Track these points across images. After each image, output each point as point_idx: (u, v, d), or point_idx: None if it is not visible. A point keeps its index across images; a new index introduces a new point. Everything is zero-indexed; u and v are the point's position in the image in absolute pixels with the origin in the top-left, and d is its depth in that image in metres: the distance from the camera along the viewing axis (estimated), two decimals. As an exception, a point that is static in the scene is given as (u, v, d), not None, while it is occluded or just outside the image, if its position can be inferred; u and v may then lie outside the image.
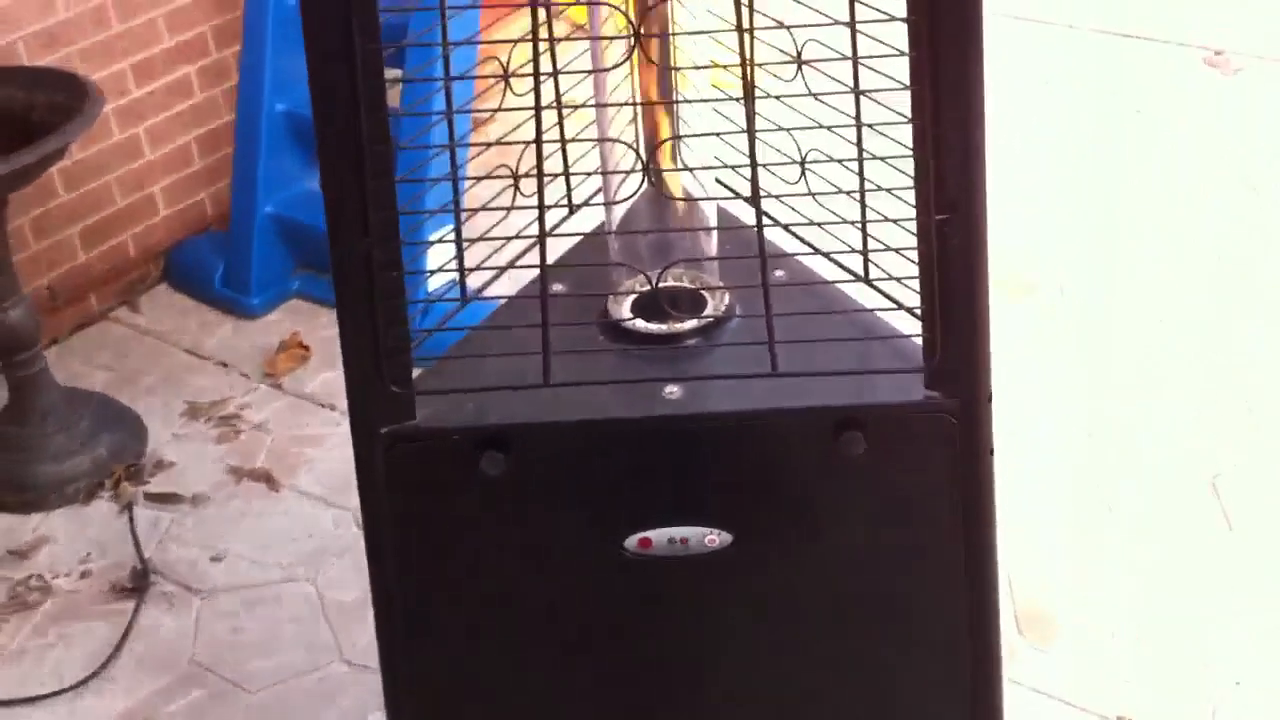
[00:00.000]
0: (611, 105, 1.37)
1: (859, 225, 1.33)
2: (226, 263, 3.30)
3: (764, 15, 1.28)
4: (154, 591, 2.54)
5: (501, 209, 1.30)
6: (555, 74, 1.25)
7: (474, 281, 1.41)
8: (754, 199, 1.25)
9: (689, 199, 1.44)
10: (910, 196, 1.26)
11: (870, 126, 1.27)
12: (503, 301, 1.49)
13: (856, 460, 1.31)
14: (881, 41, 1.25)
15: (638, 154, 1.25)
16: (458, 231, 1.33)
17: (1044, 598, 2.41)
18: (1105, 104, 3.91)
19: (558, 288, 1.47)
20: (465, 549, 1.37)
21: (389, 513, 1.33)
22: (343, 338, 1.25)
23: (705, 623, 1.40)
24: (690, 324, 1.39)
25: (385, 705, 1.46)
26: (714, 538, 1.34)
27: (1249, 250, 3.28)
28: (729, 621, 1.40)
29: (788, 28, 1.25)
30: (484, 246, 1.35)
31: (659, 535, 1.34)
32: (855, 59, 1.26)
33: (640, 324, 1.39)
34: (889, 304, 1.34)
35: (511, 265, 1.32)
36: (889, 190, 1.29)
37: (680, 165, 1.42)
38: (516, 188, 1.26)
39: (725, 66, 1.27)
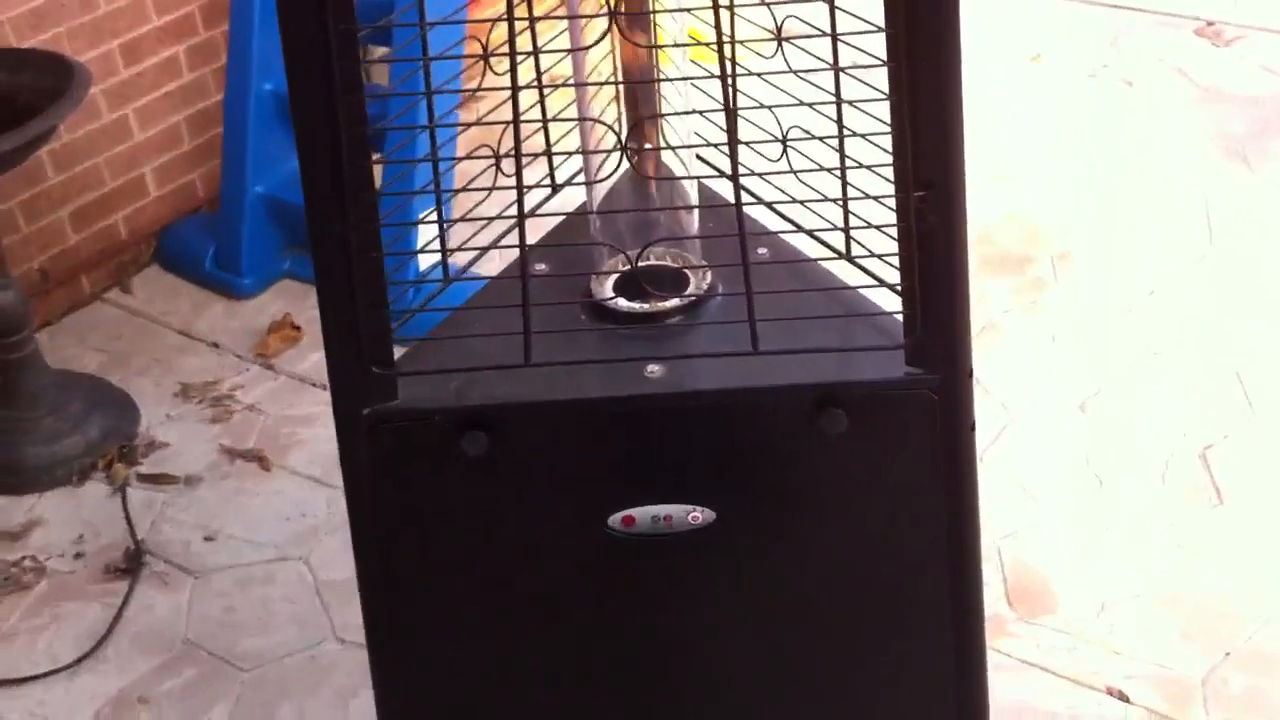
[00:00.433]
0: (589, 85, 1.37)
1: (841, 203, 1.33)
2: (217, 244, 3.30)
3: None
4: (147, 572, 2.55)
5: (483, 189, 1.30)
6: (535, 53, 1.25)
7: (459, 262, 1.41)
8: (733, 176, 1.25)
9: (669, 177, 1.44)
10: (892, 173, 1.26)
11: (850, 103, 1.27)
12: (486, 282, 1.50)
13: (838, 437, 1.31)
14: (860, 18, 1.25)
15: (615, 133, 1.25)
16: (439, 212, 1.33)
17: (1034, 571, 2.42)
18: (1096, 77, 3.91)
19: (540, 268, 1.47)
20: (449, 528, 1.37)
21: (372, 493, 1.34)
22: (324, 320, 1.25)
23: (689, 600, 1.41)
24: (672, 303, 1.39)
25: (373, 684, 1.47)
26: (697, 515, 1.34)
27: (1241, 223, 3.28)
28: (713, 599, 1.41)
29: (767, 4, 1.25)
30: (469, 227, 1.35)
31: (642, 513, 1.34)
32: (834, 35, 1.26)
33: (622, 303, 1.39)
34: (871, 281, 1.35)
35: (492, 246, 1.32)
36: (870, 167, 1.29)
37: (659, 144, 1.42)
38: (498, 168, 1.27)
39: (706, 44, 1.27)
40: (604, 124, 1.29)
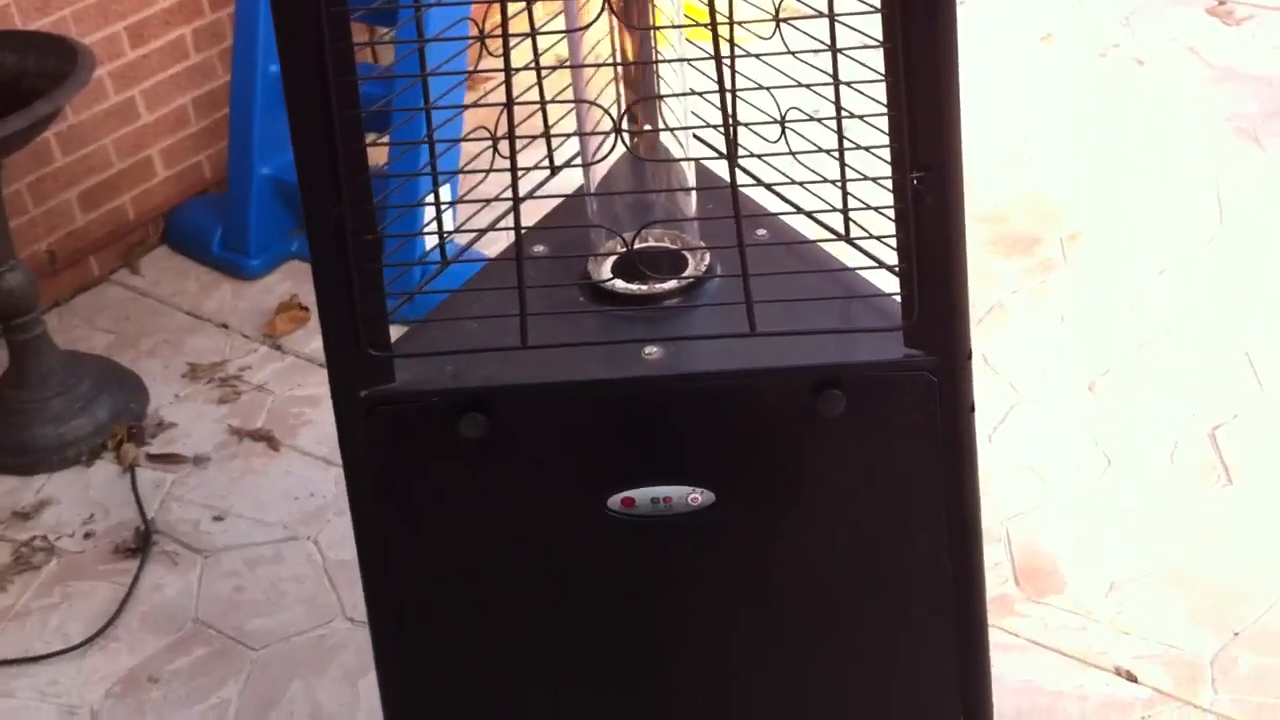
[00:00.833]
0: (585, 66, 1.36)
1: (839, 184, 1.33)
2: (225, 225, 3.30)
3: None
4: (156, 551, 2.56)
5: (480, 171, 1.30)
6: (533, 34, 1.25)
7: (460, 244, 1.41)
8: (730, 158, 1.24)
9: (666, 159, 1.44)
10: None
11: (849, 85, 1.27)
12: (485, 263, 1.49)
13: (837, 419, 1.31)
14: (859, -1, 1.24)
15: (609, 115, 1.24)
16: (435, 195, 1.32)
17: (1042, 551, 2.42)
18: (1107, 56, 3.88)
19: (539, 249, 1.47)
20: (447, 510, 1.38)
21: (371, 475, 1.34)
22: (319, 302, 1.25)
23: (688, 581, 1.41)
24: (670, 285, 1.39)
25: (375, 663, 1.47)
26: (696, 497, 1.34)
27: (1251, 202, 3.26)
28: (712, 580, 1.41)
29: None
30: (470, 209, 1.35)
31: (641, 495, 1.34)
32: (832, 16, 1.26)
33: (620, 285, 1.39)
34: (869, 262, 1.34)
35: (489, 229, 1.32)
36: (869, 148, 1.28)
37: (655, 125, 1.41)
38: (495, 150, 1.26)
39: (703, 25, 1.26)
40: (599, 106, 1.28)
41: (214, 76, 3.41)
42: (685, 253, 1.44)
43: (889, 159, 1.25)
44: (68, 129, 3.11)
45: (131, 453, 2.77)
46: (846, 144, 1.30)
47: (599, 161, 1.34)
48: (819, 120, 1.29)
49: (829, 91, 1.28)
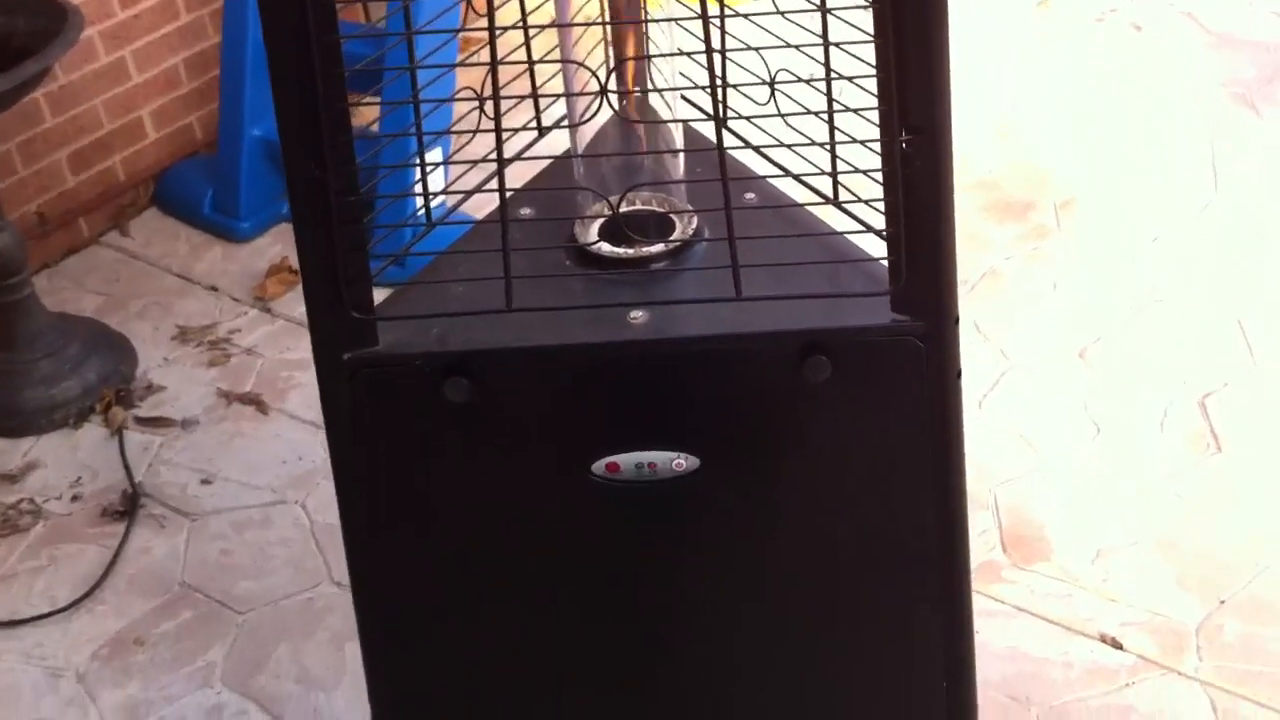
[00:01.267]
0: (570, 25, 1.35)
1: (828, 147, 1.32)
2: (215, 187, 3.28)
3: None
4: (144, 514, 2.56)
5: (467, 132, 1.28)
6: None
7: (448, 205, 1.40)
8: (717, 119, 1.23)
9: (653, 120, 1.42)
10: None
11: (838, 45, 1.25)
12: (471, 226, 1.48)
13: (823, 384, 1.30)
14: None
15: (595, 76, 1.23)
16: (420, 156, 1.31)
17: (1030, 518, 2.42)
18: (1104, 21, 3.86)
19: (526, 212, 1.45)
20: (431, 475, 1.37)
21: (354, 439, 1.33)
22: (301, 265, 1.24)
23: (673, 547, 1.40)
24: (656, 248, 1.38)
25: (358, 630, 1.47)
26: (681, 462, 1.34)
27: (1246, 169, 3.25)
28: (697, 546, 1.40)
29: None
30: (457, 170, 1.33)
31: (626, 460, 1.34)
32: (821, -24, 1.24)
33: (605, 248, 1.38)
34: (857, 227, 1.33)
35: (474, 191, 1.30)
36: (857, 111, 1.27)
37: (641, 87, 1.40)
38: (482, 110, 1.25)
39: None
40: (585, 67, 1.27)
41: (205, 37, 3.39)
42: (672, 216, 1.42)
43: (878, 122, 1.23)
44: (58, 89, 3.09)
45: (120, 415, 2.76)
46: (836, 106, 1.28)
47: (585, 122, 1.33)
48: (808, 82, 1.28)
49: (819, 53, 1.27)
